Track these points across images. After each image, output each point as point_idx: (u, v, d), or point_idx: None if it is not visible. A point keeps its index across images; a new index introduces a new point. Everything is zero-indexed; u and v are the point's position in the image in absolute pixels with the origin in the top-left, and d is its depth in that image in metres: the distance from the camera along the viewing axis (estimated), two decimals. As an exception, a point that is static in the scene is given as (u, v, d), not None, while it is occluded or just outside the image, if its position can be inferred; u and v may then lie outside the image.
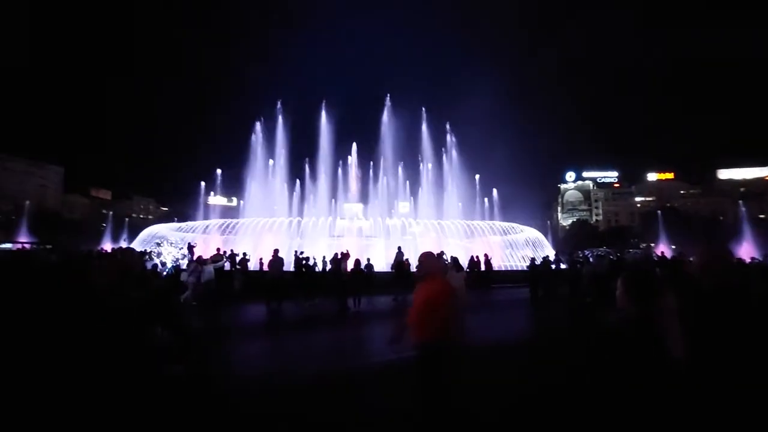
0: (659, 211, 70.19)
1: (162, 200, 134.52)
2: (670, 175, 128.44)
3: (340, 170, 35.12)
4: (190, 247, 19.71)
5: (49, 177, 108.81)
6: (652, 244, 61.48)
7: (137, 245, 24.36)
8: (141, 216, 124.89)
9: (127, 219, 72.89)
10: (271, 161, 32.94)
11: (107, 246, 49.83)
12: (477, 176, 39.17)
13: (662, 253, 38.90)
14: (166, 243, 12.90)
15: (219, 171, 43.14)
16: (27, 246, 46.59)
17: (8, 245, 46.17)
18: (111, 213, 76.73)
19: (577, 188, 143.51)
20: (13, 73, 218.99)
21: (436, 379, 3.42)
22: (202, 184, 40.17)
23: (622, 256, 26.43)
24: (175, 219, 51.37)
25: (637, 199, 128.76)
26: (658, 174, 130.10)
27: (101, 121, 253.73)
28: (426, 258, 3.91)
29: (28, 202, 61.81)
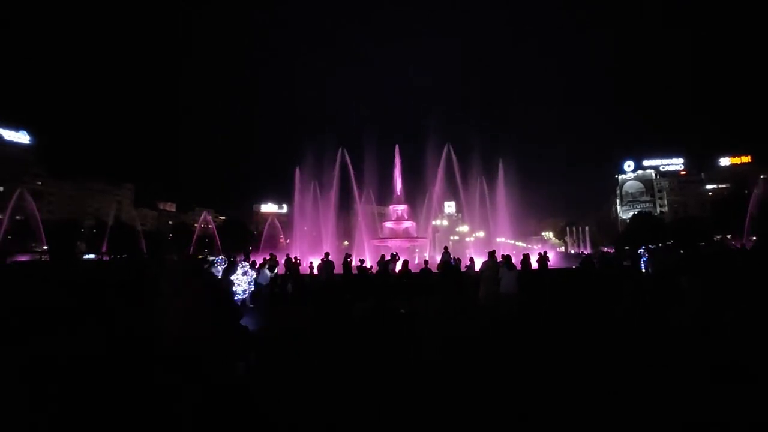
0: (736, 200, 63.40)
1: (220, 210, 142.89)
2: (746, 158, 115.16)
3: (384, 172, 35.34)
4: (247, 254, 20.92)
5: (122, 194, 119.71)
6: (729, 236, 55.94)
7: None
8: (202, 225, 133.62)
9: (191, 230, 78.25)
10: (317, 182, 33.62)
11: (174, 255, 53.97)
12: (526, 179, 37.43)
13: (741, 245, 35.24)
14: (242, 273, 12.44)
15: (269, 183, 45.39)
16: (105, 258, 51.78)
17: (92, 256, 52.09)
18: (173, 223, 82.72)
19: (637, 178, 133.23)
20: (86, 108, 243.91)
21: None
22: (255, 201, 42.69)
23: (696, 250, 24.24)
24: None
25: (708, 186, 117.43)
26: (731, 158, 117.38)
27: (164, 140, 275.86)
28: None
29: (108, 221, 67.81)
